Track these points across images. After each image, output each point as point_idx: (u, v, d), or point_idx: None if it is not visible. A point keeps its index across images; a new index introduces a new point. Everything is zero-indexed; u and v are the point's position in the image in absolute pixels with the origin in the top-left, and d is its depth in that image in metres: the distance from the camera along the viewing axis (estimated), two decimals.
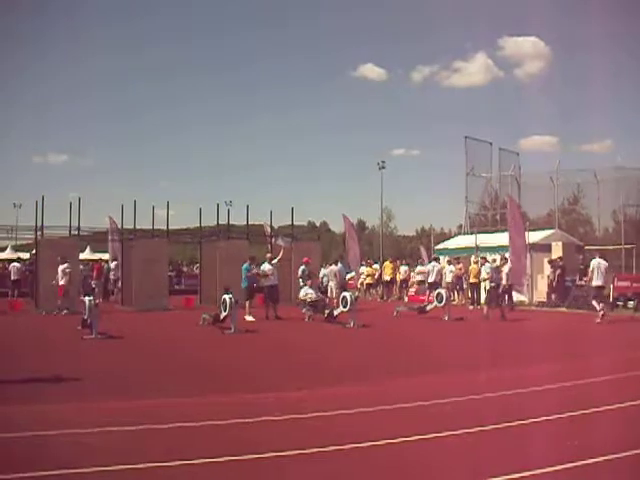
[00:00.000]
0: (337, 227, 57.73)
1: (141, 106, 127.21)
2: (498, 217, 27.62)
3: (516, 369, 8.45)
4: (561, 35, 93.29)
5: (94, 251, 33.30)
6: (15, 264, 24.41)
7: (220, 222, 22.81)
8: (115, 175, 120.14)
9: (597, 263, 15.47)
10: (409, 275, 24.21)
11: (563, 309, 18.44)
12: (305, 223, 72.18)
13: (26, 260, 25.90)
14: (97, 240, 28.45)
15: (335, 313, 14.52)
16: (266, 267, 16.11)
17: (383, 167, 45.74)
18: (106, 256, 26.56)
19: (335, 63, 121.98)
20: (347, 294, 14.29)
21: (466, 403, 6.25)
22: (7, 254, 35.09)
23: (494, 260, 17.29)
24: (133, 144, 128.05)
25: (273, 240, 21.98)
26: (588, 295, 15.87)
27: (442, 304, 15.32)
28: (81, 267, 22.79)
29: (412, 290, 23.88)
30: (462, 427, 5.10)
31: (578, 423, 5.43)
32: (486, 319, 15.20)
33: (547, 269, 20.15)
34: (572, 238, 23.91)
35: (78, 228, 19.57)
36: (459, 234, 29.52)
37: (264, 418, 5.51)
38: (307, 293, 15.91)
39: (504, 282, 16.03)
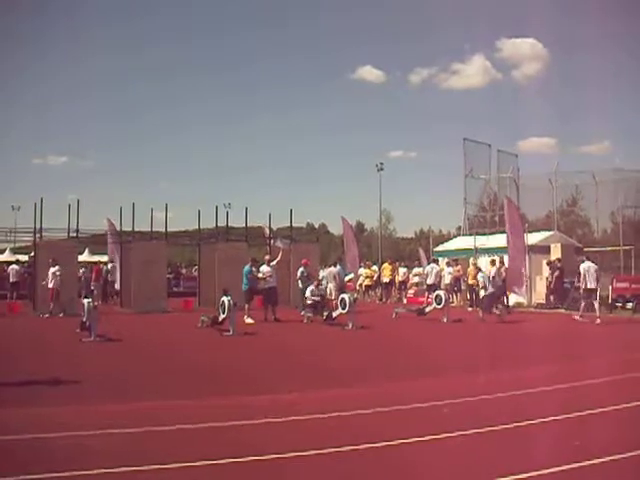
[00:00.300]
0: (336, 229, 57.86)
1: (140, 107, 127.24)
2: (497, 219, 27.62)
3: (515, 371, 8.46)
4: (559, 36, 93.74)
5: (92, 253, 33.32)
6: (14, 266, 24.41)
7: (219, 224, 22.81)
8: (114, 177, 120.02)
9: (587, 267, 15.66)
10: (408, 277, 24.24)
11: (562, 311, 18.45)
12: (304, 225, 72.11)
13: (25, 262, 25.88)
14: (96, 242, 28.44)
15: (334, 315, 14.53)
16: (265, 269, 16.12)
17: (382, 169, 45.77)
18: (105, 258, 26.57)
19: (334, 65, 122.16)
20: (346, 296, 14.29)
21: (464, 405, 6.27)
22: (6, 256, 35.11)
23: (493, 261, 17.28)
24: (132, 145, 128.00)
25: (272, 242, 21.99)
26: (586, 298, 15.89)
27: (441, 306, 15.33)
28: (83, 269, 22.85)
29: (411, 292, 23.91)
30: (459, 429, 5.11)
31: (574, 425, 5.45)
32: (483, 321, 15.21)
33: (546, 271, 20.17)
34: (571, 240, 23.95)
35: (77, 230, 19.57)
36: (458, 236, 29.54)
37: (262, 420, 5.52)
38: (312, 292, 15.80)
39: (490, 289, 15.93)
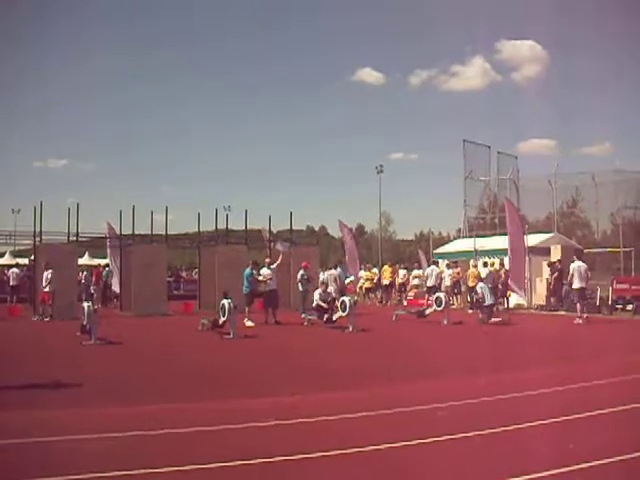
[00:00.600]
0: (336, 231, 57.71)
1: (141, 110, 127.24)
2: (497, 221, 27.64)
3: (515, 373, 8.45)
4: (558, 38, 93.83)
5: (92, 256, 33.33)
6: (14, 270, 24.40)
7: (219, 227, 22.83)
8: (114, 180, 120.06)
9: (577, 266, 15.84)
10: (408, 279, 24.23)
11: (562, 312, 18.44)
12: (304, 227, 72.18)
13: (25, 266, 25.88)
14: (95, 246, 28.44)
15: (334, 317, 14.52)
16: (265, 272, 16.12)
17: (381, 171, 45.92)
18: (105, 262, 26.58)
19: (333, 67, 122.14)
20: (346, 298, 14.28)
21: (464, 407, 6.27)
22: (5, 260, 35.11)
23: (492, 264, 17.33)
24: (133, 148, 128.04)
25: (272, 245, 22.00)
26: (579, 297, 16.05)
27: (441, 308, 15.33)
28: (85, 273, 22.86)
29: (411, 294, 23.90)
30: (461, 431, 5.13)
31: (574, 427, 5.45)
32: (483, 324, 15.20)
33: (546, 272, 20.18)
34: (571, 241, 23.97)
35: (77, 234, 19.58)
36: (458, 238, 29.58)
37: (265, 423, 5.52)
38: (321, 296, 15.70)
39: (489, 301, 15.90)
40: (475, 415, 5.96)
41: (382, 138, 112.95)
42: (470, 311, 19.03)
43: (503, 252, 20.57)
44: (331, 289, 17.36)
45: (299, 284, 17.59)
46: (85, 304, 11.84)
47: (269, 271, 16.13)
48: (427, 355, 10.83)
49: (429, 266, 21.69)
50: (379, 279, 24.86)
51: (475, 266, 19.73)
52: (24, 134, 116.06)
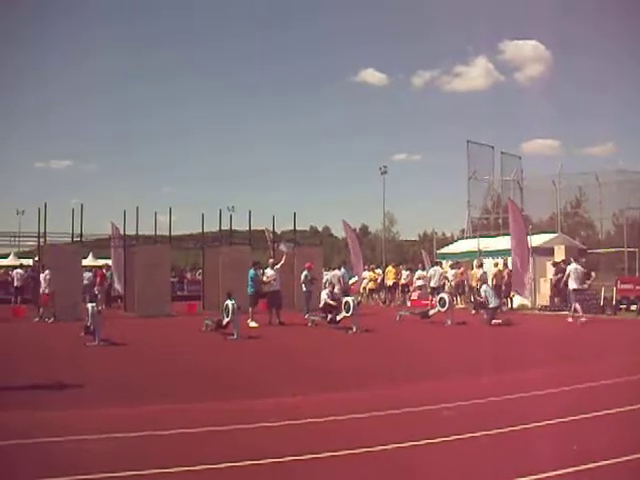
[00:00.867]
0: (339, 232, 57.80)
1: (143, 110, 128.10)
2: (500, 221, 27.58)
3: (521, 373, 8.41)
4: (561, 38, 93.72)
5: (97, 257, 33.36)
6: (18, 271, 24.47)
7: (222, 227, 22.83)
8: (117, 181, 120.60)
9: (574, 268, 16.05)
10: (411, 280, 24.18)
11: (566, 313, 18.35)
12: (307, 228, 72.25)
13: (29, 267, 25.93)
14: (99, 246, 28.47)
15: (338, 318, 14.51)
16: (269, 272, 16.11)
17: (385, 172, 45.71)
18: (108, 262, 26.59)
19: (336, 68, 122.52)
20: (350, 299, 14.26)
21: (471, 407, 6.25)
22: (10, 261, 35.18)
23: (496, 264, 17.32)
24: (136, 149, 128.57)
25: (275, 245, 22.00)
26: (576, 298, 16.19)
27: (445, 309, 15.29)
28: (87, 274, 22.86)
29: (415, 295, 23.85)
30: (468, 431, 5.11)
31: (581, 427, 5.42)
32: (487, 324, 15.14)
33: (550, 272, 20.11)
34: (575, 241, 23.89)
35: (81, 234, 19.59)
36: (461, 238, 29.52)
37: (271, 424, 5.50)
38: (328, 296, 15.69)
39: (494, 303, 15.84)
40: (482, 415, 5.94)
41: (385, 139, 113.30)
42: (473, 311, 18.98)
43: (507, 252, 20.52)
44: (336, 289, 17.35)
45: (303, 285, 17.57)
46: (89, 305, 11.85)
47: (272, 272, 16.12)
48: (432, 355, 10.79)
49: (432, 267, 21.65)
50: (382, 280, 24.84)
51: (479, 266, 19.69)
52: (25, 135, 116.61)
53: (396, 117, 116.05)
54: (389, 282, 24.23)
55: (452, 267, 21.20)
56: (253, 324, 14.86)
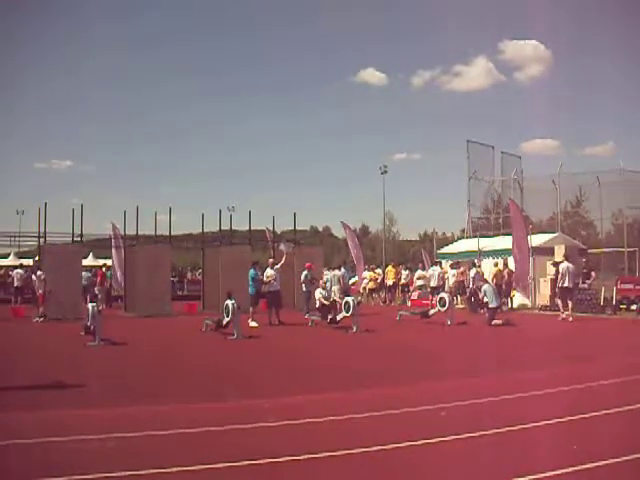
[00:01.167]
0: (339, 232, 57.77)
1: (143, 110, 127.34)
2: (501, 221, 27.61)
3: (520, 373, 8.42)
4: (561, 38, 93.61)
5: (97, 257, 33.39)
6: (18, 271, 24.45)
7: (222, 227, 22.85)
8: (117, 181, 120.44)
9: (566, 267, 16.35)
10: (411, 279, 24.19)
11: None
12: (307, 228, 72.22)
13: (29, 267, 25.93)
14: (99, 246, 28.50)
15: (338, 318, 14.51)
16: (269, 272, 16.12)
17: (385, 172, 45.74)
18: (109, 262, 26.63)
19: (336, 68, 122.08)
20: (350, 299, 14.27)
21: (470, 407, 6.25)
22: (10, 261, 35.20)
23: (496, 264, 17.34)
24: (135, 149, 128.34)
25: (275, 245, 22.00)
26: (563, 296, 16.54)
27: (445, 308, 15.29)
28: (88, 274, 22.87)
29: (415, 295, 23.86)
30: (467, 431, 5.12)
31: (579, 427, 5.42)
32: (487, 324, 15.15)
33: (550, 272, 20.11)
34: (575, 241, 23.88)
35: (81, 234, 19.60)
36: (462, 238, 29.52)
37: (269, 424, 5.51)
38: (322, 294, 15.73)
39: (494, 304, 15.85)
40: (481, 415, 5.94)
41: (385, 138, 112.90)
42: (463, 306, 19.03)
43: (507, 252, 20.53)
44: (334, 288, 17.38)
45: (303, 285, 17.58)
46: (89, 305, 11.86)
47: (273, 272, 16.13)
48: (431, 356, 10.79)
49: (432, 266, 21.66)
50: (383, 279, 24.85)
51: (479, 266, 19.71)
52: (25, 135, 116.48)
53: (396, 117, 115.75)
54: (389, 282, 24.25)
55: (452, 267, 21.20)
56: (253, 324, 14.87)
